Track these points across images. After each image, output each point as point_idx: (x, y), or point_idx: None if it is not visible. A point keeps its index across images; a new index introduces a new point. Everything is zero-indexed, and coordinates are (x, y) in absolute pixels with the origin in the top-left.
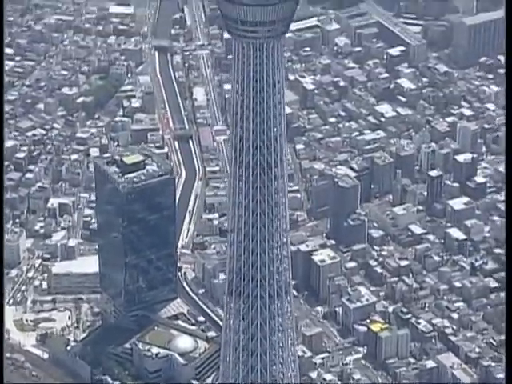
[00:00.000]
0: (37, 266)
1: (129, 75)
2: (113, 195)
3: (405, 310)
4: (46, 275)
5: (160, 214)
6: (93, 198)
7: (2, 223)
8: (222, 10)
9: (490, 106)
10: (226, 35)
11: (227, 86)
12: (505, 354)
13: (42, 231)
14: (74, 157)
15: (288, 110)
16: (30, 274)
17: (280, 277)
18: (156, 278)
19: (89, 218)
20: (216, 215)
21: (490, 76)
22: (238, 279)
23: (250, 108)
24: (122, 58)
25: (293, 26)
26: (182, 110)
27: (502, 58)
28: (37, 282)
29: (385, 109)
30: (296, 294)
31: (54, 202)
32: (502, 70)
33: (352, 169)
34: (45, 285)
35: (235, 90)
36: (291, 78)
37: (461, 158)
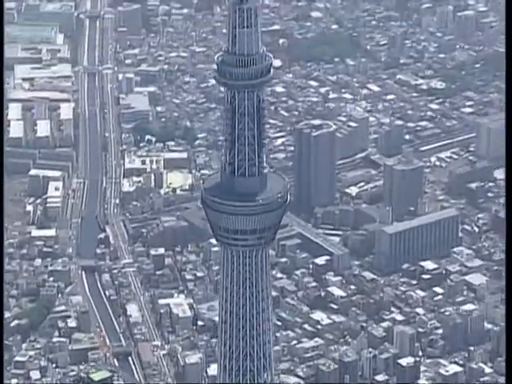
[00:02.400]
0: None
1: (59, 296)
2: None
3: None
4: None
5: None
6: None
7: (2, 233)
8: (210, 220)
9: (420, 310)
10: (153, 252)
11: (161, 301)
12: (505, 353)
13: None
14: (13, 381)
15: None
16: None
17: None
18: None
19: None
20: None
21: (414, 282)
22: None
23: (240, 315)
24: (51, 279)
25: None
26: (117, 327)
27: (424, 264)
28: None
29: (320, 316)
30: None
31: None
32: (425, 276)
33: (298, 376)
34: None
35: (224, 298)
36: None
37: (403, 361)
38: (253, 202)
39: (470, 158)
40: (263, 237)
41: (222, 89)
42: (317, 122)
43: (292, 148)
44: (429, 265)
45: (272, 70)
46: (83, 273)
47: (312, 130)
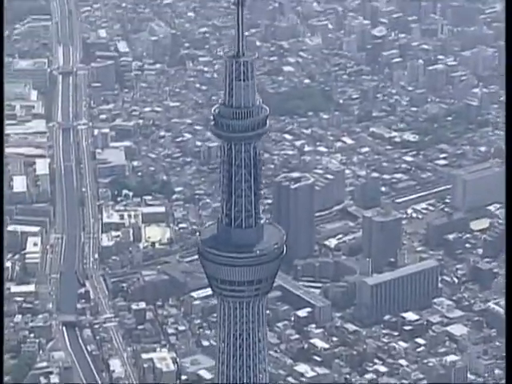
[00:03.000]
0: None
1: (41, 352)
2: None
3: None
4: None
5: None
6: None
7: (2, 233)
8: (206, 271)
9: (403, 361)
10: (134, 306)
11: (144, 356)
12: (505, 354)
13: None
14: None
15: None
16: None
17: None
18: None
19: None
20: None
21: (396, 333)
22: None
23: (237, 366)
24: (32, 335)
25: None
26: (100, 382)
27: (405, 315)
28: None
29: (303, 368)
30: None
31: None
32: (407, 327)
33: None
34: None
35: (220, 350)
36: None
37: None
38: (250, 253)
39: (446, 209)
40: (260, 288)
41: (218, 142)
42: (295, 174)
43: (269, 201)
44: (410, 316)
45: (268, 122)
46: (64, 328)
47: (291, 182)
